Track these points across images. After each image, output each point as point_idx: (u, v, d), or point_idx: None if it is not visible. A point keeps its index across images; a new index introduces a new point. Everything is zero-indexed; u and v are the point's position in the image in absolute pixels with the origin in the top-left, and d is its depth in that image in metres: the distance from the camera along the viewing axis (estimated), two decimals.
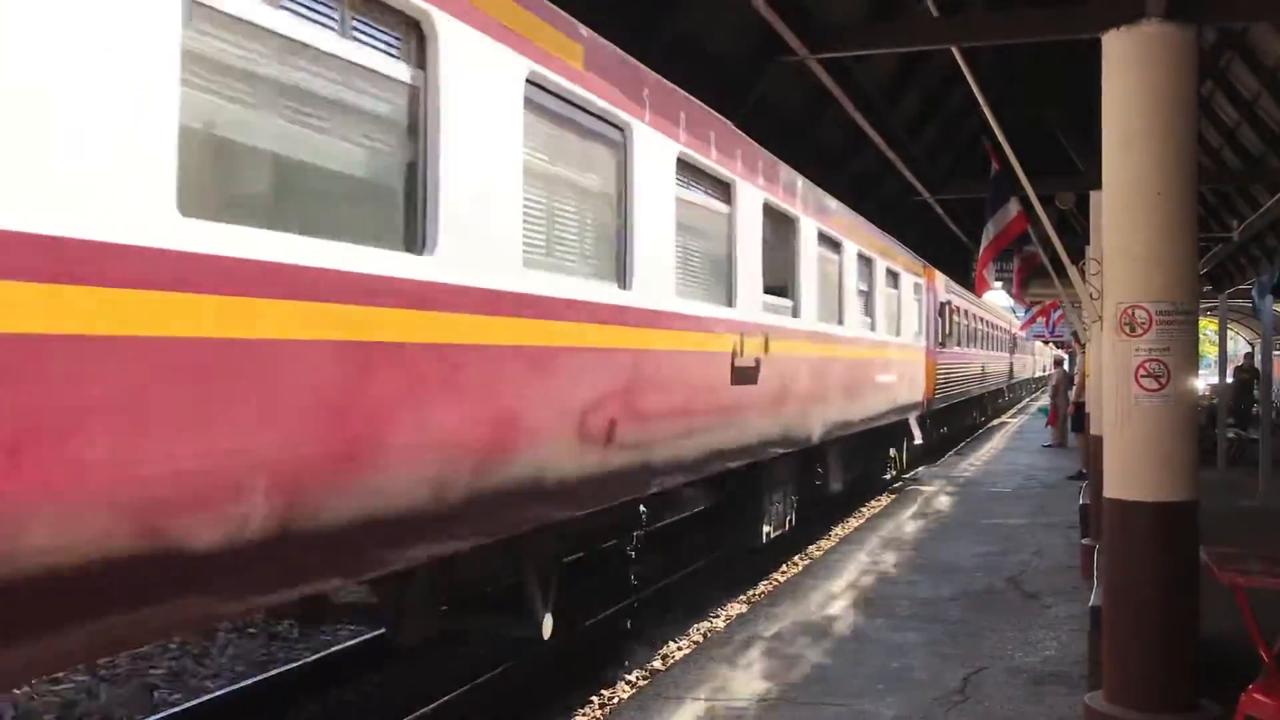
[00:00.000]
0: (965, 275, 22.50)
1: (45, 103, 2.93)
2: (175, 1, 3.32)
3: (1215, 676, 5.33)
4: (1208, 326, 22.98)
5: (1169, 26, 5.19)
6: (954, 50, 6.83)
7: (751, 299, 8.31)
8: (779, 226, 9.09)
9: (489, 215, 4.83)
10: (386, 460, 4.16)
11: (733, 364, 7.73)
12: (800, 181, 9.69)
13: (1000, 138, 7.83)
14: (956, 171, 15.24)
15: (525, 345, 5.09)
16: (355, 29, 4.14)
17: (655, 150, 6.26)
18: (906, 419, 16.50)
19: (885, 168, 12.23)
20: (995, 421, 38.46)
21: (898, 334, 15.01)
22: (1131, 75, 5.31)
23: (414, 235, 4.39)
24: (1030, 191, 8.24)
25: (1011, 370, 42.33)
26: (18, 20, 2.86)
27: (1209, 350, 33.19)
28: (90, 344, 3.03)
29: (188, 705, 7.10)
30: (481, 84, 4.79)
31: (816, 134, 11.44)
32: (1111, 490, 5.41)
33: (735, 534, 10.00)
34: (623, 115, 5.93)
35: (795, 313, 9.71)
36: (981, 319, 30.20)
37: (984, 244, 8.60)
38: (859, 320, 12.64)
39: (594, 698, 7.65)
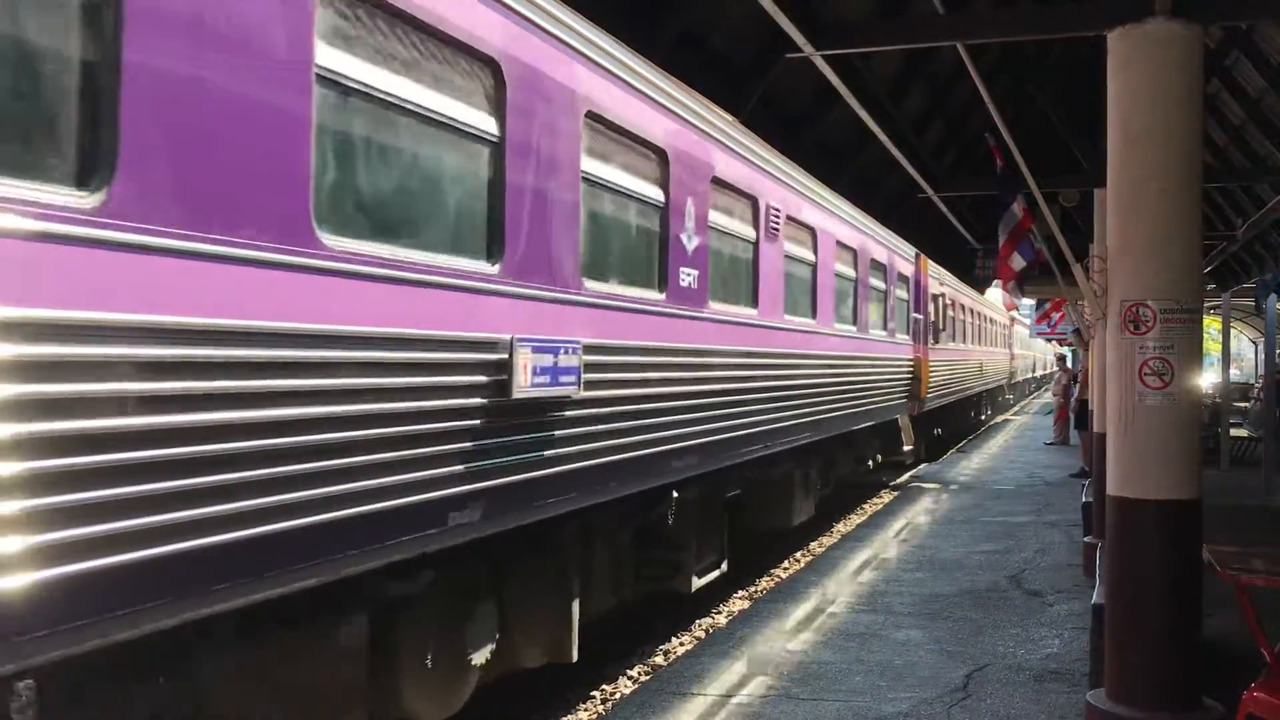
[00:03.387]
0: (969, 273, 22.28)
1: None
2: None
3: (1217, 675, 5.34)
4: (1211, 325, 22.77)
5: (1175, 25, 5.18)
6: (959, 47, 6.82)
7: None
8: None
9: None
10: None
11: None
12: None
13: (1005, 135, 7.84)
14: (961, 168, 15.20)
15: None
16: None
17: None
18: None
19: (889, 164, 12.21)
20: (999, 418, 36.61)
21: None
22: (1137, 73, 5.30)
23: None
24: (1034, 188, 8.25)
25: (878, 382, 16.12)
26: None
27: (1213, 348, 32.28)
28: None
29: None
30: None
31: (821, 131, 11.40)
32: (1115, 488, 5.41)
33: None
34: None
35: None
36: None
37: (1001, 241, 8.60)
38: None
39: (595, 692, 7.66)
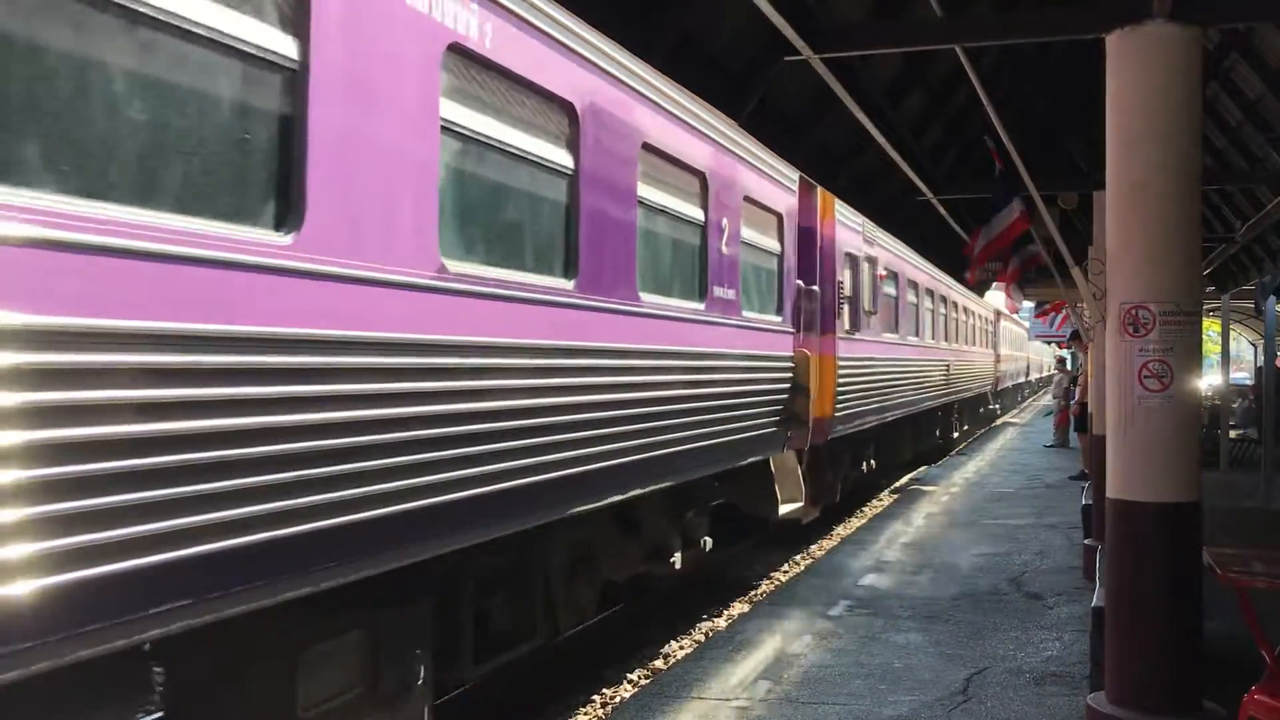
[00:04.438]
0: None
1: None
2: None
3: (1218, 678, 5.33)
4: (1210, 328, 22.61)
5: (1173, 27, 5.19)
6: (958, 50, 6.82)
7: None
8: None
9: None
10: None
11: None
12: None
13: (1004, 137, 7.84)
14: (960, 171, 15.22)
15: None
16: None
17: None
18: None
19: (888, 167, 12.21)
20: (998, 421, 36.11)
21: None
22: (1135, 76, 5.30)
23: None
24: (1034, 191, 8.25)
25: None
26: None
27: (1212, 350, 31.67)
28: None
29: None
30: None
31: (820, 134, 11.41)
32: (1114, 491, 5.40)
33: None
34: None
35: None
36: None
37: (982, 242, 8.63)
38: None
39: (596, 696, 7.65)
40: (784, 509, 10.28)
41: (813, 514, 11.65)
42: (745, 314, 8.73)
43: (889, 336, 14.98)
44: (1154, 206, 5.24)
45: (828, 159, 12.48)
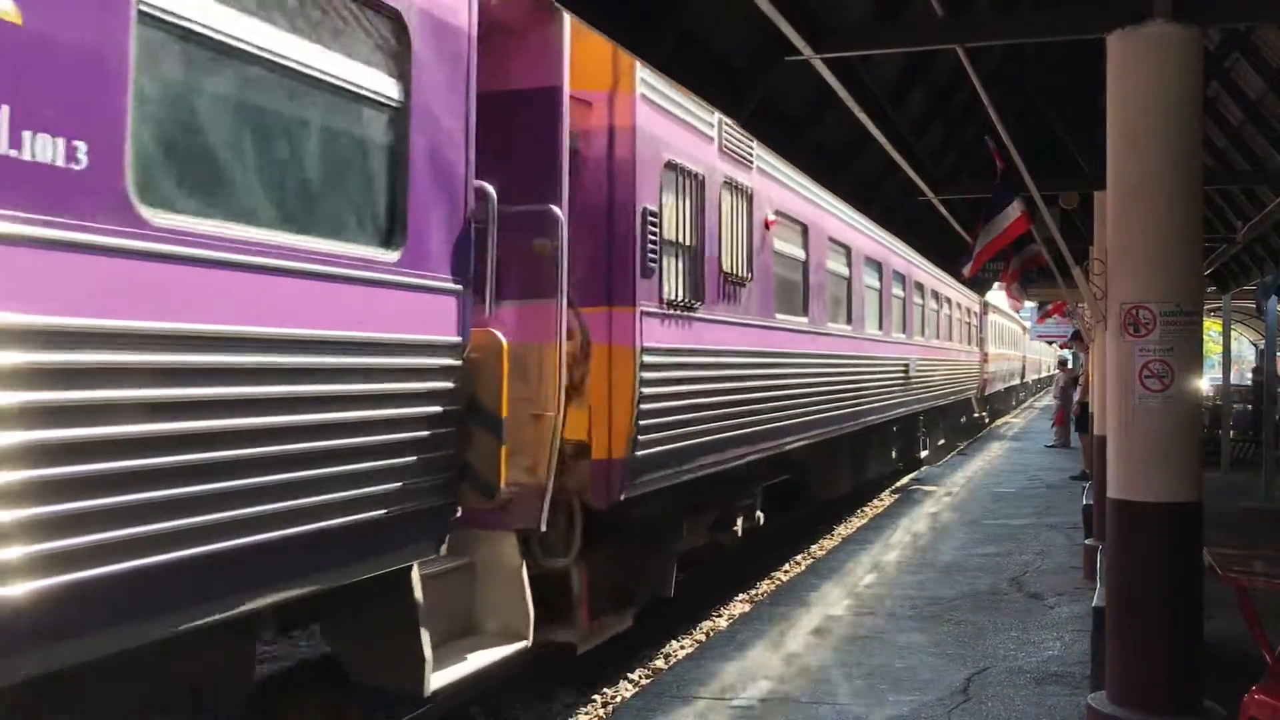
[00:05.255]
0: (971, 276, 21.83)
1: None
2: None
3: (1219, 678, 5.33)
4: (1212, 328, 22.37)
5: (1174, 27, 5.18)
6: (959, 50, 6.82)
7: None
8: None
9: None
10: None
11: None
12: None
13: (1005, 137, 7.84)
14: (961, 171, 15.21)
15: None
16: None
17: None
18: None
19: (889, 167, 12.20)
20: (999, 421, 35.92)
21: None
22: (1136, 75, 5.30)
23: None
24: (1034, 191, 8.25)
25: None
26: None
27: (1213, 351, 31.31)
28: None
29: None
30: None
31: (820, 133, 11.41)
32: (1115, 491, 5.40)
33: None
34: None
35: None
36: None
37: (982, 242, 8.63)
38: None
39: (596, 696, 7.65)
40: (452, 671, 5.42)
41: (612, 628, 7.34)
42: (168, 218, 3.59)
43: (786, 319, 10.26)
44: (1154, 206, 5.24)
45: (828, 160, 12.47)
